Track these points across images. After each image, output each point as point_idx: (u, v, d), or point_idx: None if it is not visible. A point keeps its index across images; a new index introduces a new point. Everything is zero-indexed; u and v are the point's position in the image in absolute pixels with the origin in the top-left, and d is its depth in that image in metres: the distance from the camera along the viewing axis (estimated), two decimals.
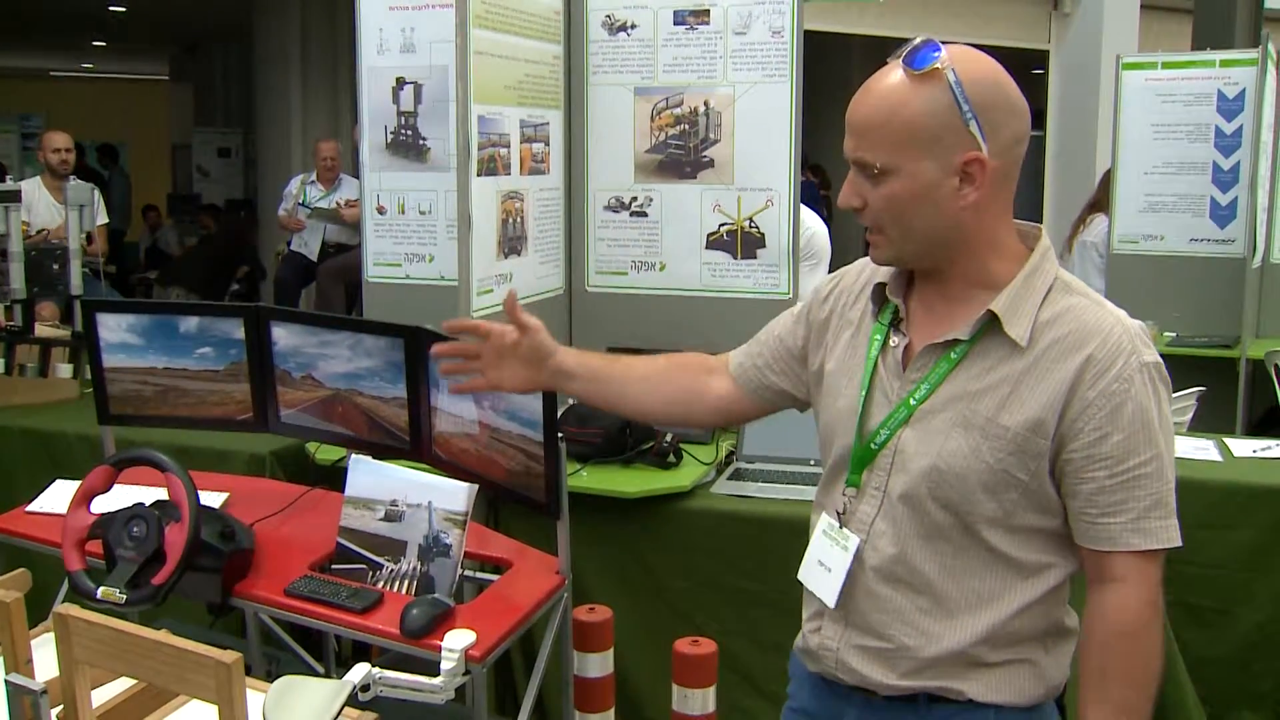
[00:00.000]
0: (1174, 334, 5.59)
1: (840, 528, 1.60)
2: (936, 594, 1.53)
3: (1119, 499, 1.45)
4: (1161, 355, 1.51)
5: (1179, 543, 1.48)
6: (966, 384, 1.49)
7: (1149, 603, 1.48)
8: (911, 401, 1.52)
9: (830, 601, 1.60)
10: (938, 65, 1.41)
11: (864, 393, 1.57)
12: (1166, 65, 5.92)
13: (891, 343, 1.57)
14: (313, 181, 7.56)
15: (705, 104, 3.66)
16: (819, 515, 1.67)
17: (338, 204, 7.30)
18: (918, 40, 1.45)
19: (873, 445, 1.55)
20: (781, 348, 1.77)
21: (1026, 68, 11.85)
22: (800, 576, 1.66)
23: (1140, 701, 1.48)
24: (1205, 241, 5.81)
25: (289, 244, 7.79)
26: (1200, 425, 4.40)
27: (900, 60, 1.45)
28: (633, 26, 3.74)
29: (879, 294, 1.61)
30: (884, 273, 1.61)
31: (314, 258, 7.50)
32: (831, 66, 12.74)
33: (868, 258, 1.62)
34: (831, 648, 1.61)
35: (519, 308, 1.82)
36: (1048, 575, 1.53)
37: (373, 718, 2.13)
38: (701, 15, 3.63)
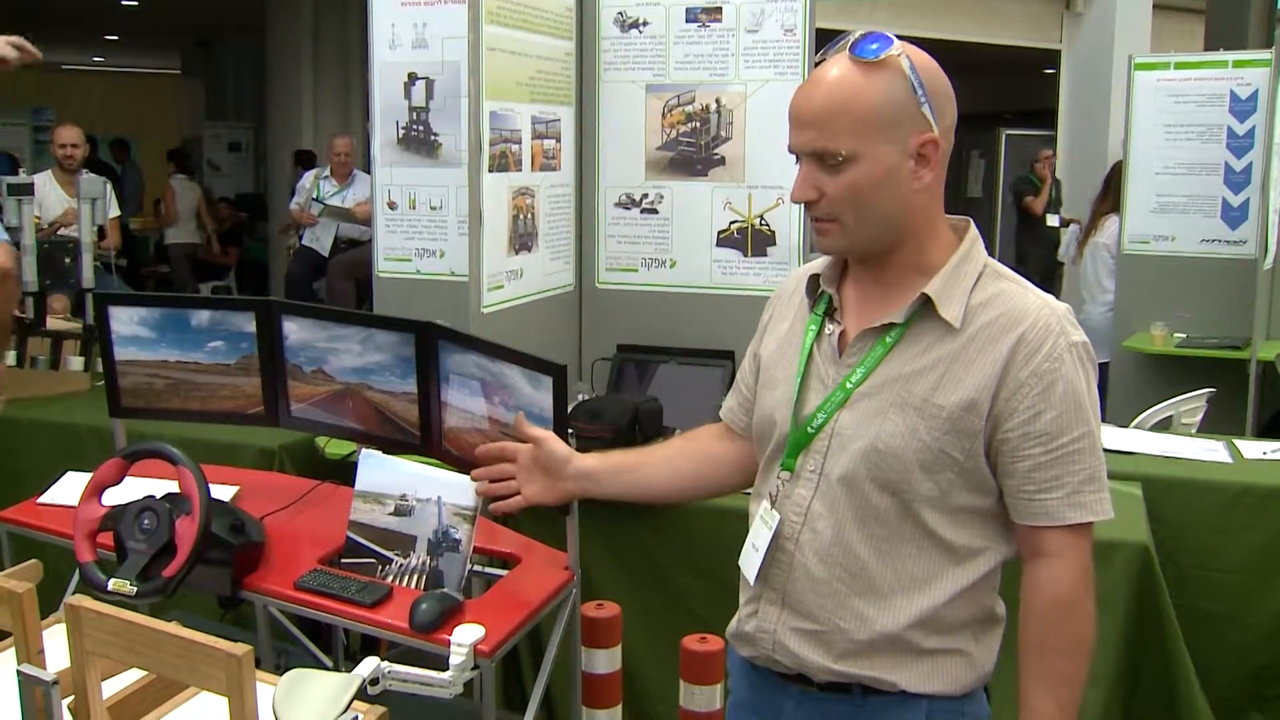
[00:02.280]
0: (1184, 335, 5.58)
1: (771, 508, 1.63)
2: (871, 577, 1.56)
3: (1054, 475, 1.50)
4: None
5: (1111, 514, 1.54)
6: (902, 366, 1.53)
7: (1083, 574, 1.54)
8: (848, 384, 1.56)
9: (750, 577, 1.64)
10: (893, 52, 1.48)
11: (799, 379, 1.61)
12: (1179, 66, 5.91)
13: (827, 330, 1.62)
14: (326, 176, 7.58)
15: (717, 101, 3.66)
16: (757, 504, 1.70)
17: (355, 205, 7.32)
18: (858, 33, 1.50)
19: (809, 429, 1.59)
20: (752, 379, 1.80)
21: (1038, 67, 11.85)
22: (740, 563, 1.70)
23: (1078, 671, 1.54)
24: (1216, 242, 5.80)
25: (300, 239, 7.81)
26: (1210, 427, 4.40)
27: (847, 51, 1.50)
28: (645, 23, 3.74)
29: (813, 285, 1.66)
30: (818, 266, 1.67)
31: (326, 253, 7.52)
32: None
33: (801, 268, 1.73)
34: (769, 630, 1.64)
35: (525, 423, 1.95)
36: (980, 560, 1.57)
37: (381, 711, 2.14)
38: (714, 13, 3.63)
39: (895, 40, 1.48)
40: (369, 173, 4.24)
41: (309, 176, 7.74)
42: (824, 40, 3.50)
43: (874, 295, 1.59)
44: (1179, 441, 3.64)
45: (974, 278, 1.54)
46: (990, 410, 1.50)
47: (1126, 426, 4.09)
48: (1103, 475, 1.54)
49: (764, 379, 1.71)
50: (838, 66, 1.50)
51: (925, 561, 1.55)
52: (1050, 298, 1.55)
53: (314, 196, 7.52)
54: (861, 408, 1.54)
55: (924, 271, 1.55)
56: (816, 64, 1.55)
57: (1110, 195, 6.20)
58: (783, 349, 1.69)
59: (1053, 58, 10.94)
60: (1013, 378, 1.49)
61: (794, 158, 1.54)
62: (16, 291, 3.17)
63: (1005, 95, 15.54)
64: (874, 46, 1.48)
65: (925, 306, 1.53)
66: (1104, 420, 4.82)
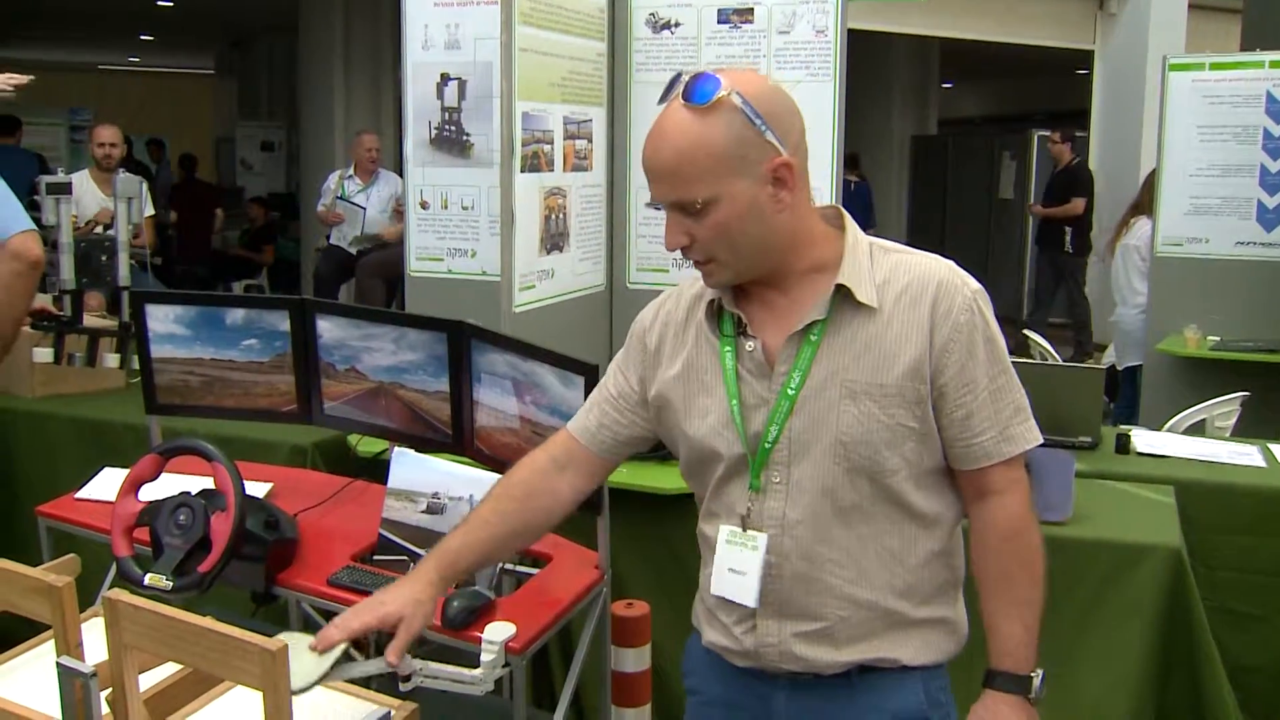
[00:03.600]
0: (1218, 338, 5.53)
1: (745, 531, 1.65)
2: (856, 562, 1.61)
3: (985, 416, 1.59)
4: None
5: (1041, 440, 1.63)
6: (836, 359, 1.58)
7: (1026, 503, 1.65)
8: (789, 391, 1.59)
9: (751, 602, 1.65)
10: (722, 94, 1.50)
11: (735, 402, 1.63)
12: (1214, 66, 5.86)
13: (747, 348, 1.63)
14: (350, 175, 7.61)
15: None
16: (714, 528, 1.70)
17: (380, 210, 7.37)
18: (687, 77, 1.53)
19: (766, 444, 1.61)
20: (621, 401, 1.80)
21: (1071, 68, 11.78)
22: (714, 592, 1.70)
23: (1037, 594, 1.65)
24: (1251, 245, 5.75)
25: (328, 238, 7.85)
26: (1244, 430, 4.36)
27: (680, 99, 1.52)
28: (676, 25, 3.75)
29: (711, 309, 1.67)
30: (700, 290, 1.69)
31: (353, 252, 7.56)
32: (875, 66, 12.71)
33: (663, 302, 1.76)
34: (773, 643, 1.66)
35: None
36: (941, 521, 1.65)
37: (413, 708, 2.15)
38: (745, 14, 3.64)
39: (723, 79, 1.50)
40: (399, 173, 4.26)
41: (333, 177, 7.77)
42: (855, 41, 3.50)
43: (781, 305, 1.63)
44: (1212, 445, 3.62)
45: (868, 257, 1.61)
46: (929, 372, 1.57)
47: (1159, 430, 4.06)
48: (1026, 405, 1.63)
49: (683, 409, 1.69)
50: (676, 117, 1.52)
51: (899, 534, 1.62)
52: (937, 256, 1.63)
53: (339, 195, 7.56)
54: (810, 409, 1.58)
55: (820, 269, 1.60)
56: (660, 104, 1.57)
57: (1142, 195, 6.16)
58: (694, 375, 1.68)
59: (1085, 58, 10.86)
60: (938, 336, 1.56)
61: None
62: (37, 280, 3.20)
63: (1037, 96, 15.48)
64: (705, 90, 1.50)
65: (841, 296, 1.58)
66: (1137, 424, 4.80)
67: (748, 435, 1.62)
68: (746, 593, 1.65)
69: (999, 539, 1.64)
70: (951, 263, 1.62)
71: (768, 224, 1.55)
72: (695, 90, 1.51)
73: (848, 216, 1.66)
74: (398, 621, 1.76)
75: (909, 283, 1.58)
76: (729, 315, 1.65)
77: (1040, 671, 1.64)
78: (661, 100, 1.57)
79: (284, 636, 1.77)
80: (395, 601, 1.77)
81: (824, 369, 1.58)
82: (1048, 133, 12.14)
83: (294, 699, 1.74)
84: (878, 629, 1.63)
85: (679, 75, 1.55)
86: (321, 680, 1.83)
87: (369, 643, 3.04)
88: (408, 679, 1.93)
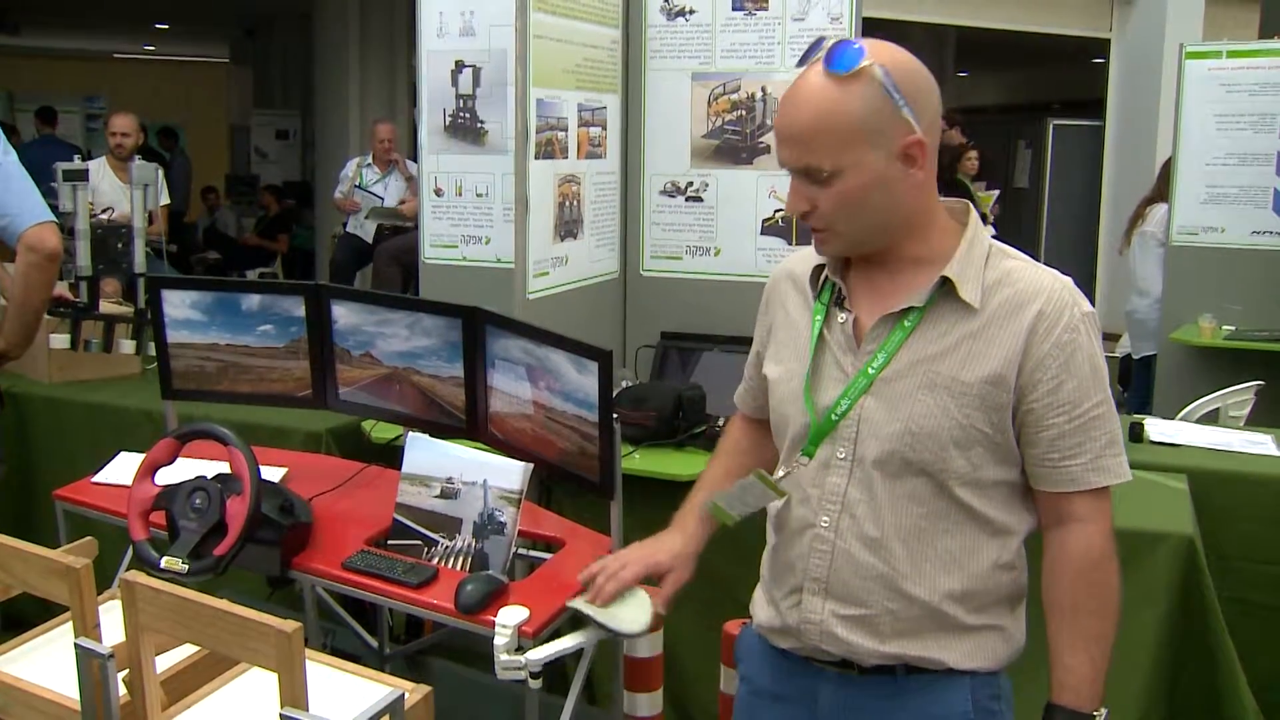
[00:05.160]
0: (1233, 327, 5.51)
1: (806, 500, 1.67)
2: (913, 556, 1.59)
3: (1078, 441, 1.55)
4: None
5: (1130, 476, 1.60)
6: (925, 348, 1.56)
7: (1108, 536, 1.60)
8: (870, 370, 1.58)
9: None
10: (865, 64, 1.49)
11: (808, 369, 1.63)
12: (1231, 54, 5.83)
13: (839, 319, 1.63)
14: (369, 164, 7.63)
15: (763, 90, 3.66)
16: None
17: (400, 201, 7.38)
18: (829, 43, 1.51)
19: (833, 416, 1.61)
20: (757, 360, 1.83)
21: (1088, 57, 11.71)
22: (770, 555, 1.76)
23: (1109, 629, 1.60)
24: (1267, 234, 5.73)
25: (345, 226, 7.87)
26: (1258, 420, 4.35)
27: (821, 65, 1.51)
28: (691, 12, 3.74)
29: (815, 276, 1.68)
30: (813, 258, 1.69)
31: (370, 239, 7.58)
32: None
33: (792, 258, 1.77)
34: (815, 620, 1.65)
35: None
36: (1011, 532, 1.62)
37: (427, 690, 2.17)
38: (760, 1, 3.63)
39: (867, 49, 1.50)
40: (414, 159, 4.27)
41: (351, 164, 7.79)
42: (870, 30, 3.50)
43: (883, 284, 1.61)
44: (1226, 434, 3.61)
45: (984, 258, 1.58)
46: (1016, 383, 1.54)
47: (1173, 419, 4.05)
48: (1120, 438, 1.59)
49: (777, 376, 1.72)
50: (815, 82, 1.52)
51: (961, 537, 1.59)
52: (1056, 272, 1.59)
53: (357, 184, 7.58)
54: (888, 392, 1.57)
55: (931, 259, 1.58)
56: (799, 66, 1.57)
57: (1159, 185, 6.14)
58: (789, 341, 1.71)
59: (1102, 47, 10.79)
60: (1035, 350, 1.53)
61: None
62: (56, 271, 3.21)
63: (1053, 85, 15.37)
64: (848, 59, 1.49)
65: (943, 289, 1.56)
66: (1151, 413, 4.79)
67: (816, 406, 1.62)
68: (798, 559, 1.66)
69: (1075, 569, 1.59)
70: (1069, 280, 1.59)
71: (892, 200, 1.54)
72: (838, 57, 1.50)
73: (974, 214, 1.64)
74: (666, 573, 1.90)
75: (1017, 290, 1.56)
76: (830, 284, 1.66)
77: (1105, 711, 1.59)
78: (800, 63, 1.56)
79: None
80: (664, 553, 1.91)
81: (910, 356, 1.57)
82: (1064, 122, 12.11)
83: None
84: (926, 628, 1.61)
85: (820, 40, 1.53)
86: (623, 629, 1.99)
87: (377, 619, 3.06)
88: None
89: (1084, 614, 1.59)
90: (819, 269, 1.67)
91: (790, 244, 3.67)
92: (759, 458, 1.87)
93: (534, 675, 2.12)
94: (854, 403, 1.59)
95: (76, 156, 4.12)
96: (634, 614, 1.97)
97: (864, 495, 1.60)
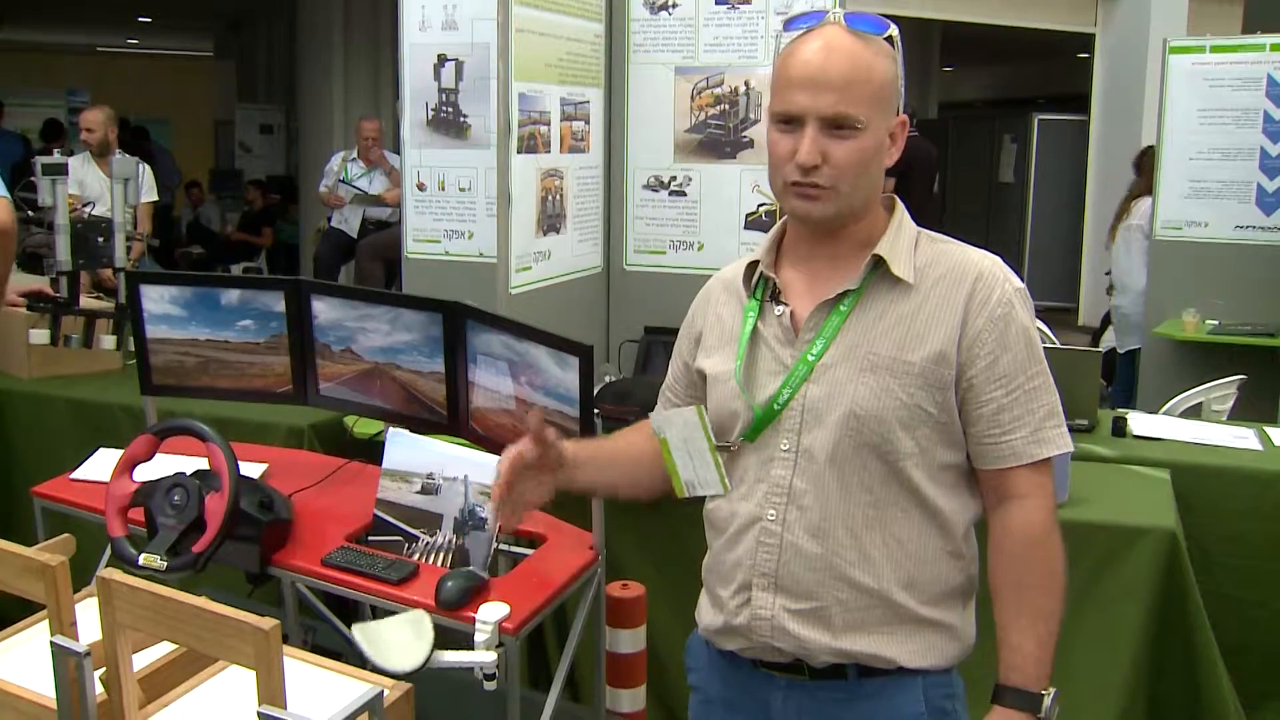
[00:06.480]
0: (1216, 321, 5.53)
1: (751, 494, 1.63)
2: (863, 545, 1.57)
3: (1016, 415, 1.56)
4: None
5: (1071, 447, 1.60)
6: (863, 331, 1.57)
7: (1050, 511, 1.59)
8: (809, 357, 1.58)
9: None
10: (893, 33, 1.55)
11: (739, 362, 1.62)
12: (1215, 49, 5.84)
13: (775, 312, 1.63)
14: (354, 159, 7.60)
15: (746, 84, 3.65)
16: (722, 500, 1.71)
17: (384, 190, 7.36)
18: (843, 10, 1.57)
19: (775, 406, 1.59)
20: (689, 372, 1.79)
21: (1072, 52, 11.74)
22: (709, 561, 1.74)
23: (1056, 607, 1.57)
24: (1250, 229, 5.75)
25: (329, 220, 7.84)
26: (1241, 414, 4.36)
27: (841, 25, 1.54)
28: (674, 5, 3.73)
29: (749, 274, 1.68)
30: (742, 265, 1.70)
31: (354, 235, 7.55)
32: None
33: (722, 270, 1.78)
34: (765, 616, 1.61)
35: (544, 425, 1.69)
36: (959, 518, 1.61)
37: (408, 688, 2.16)
38: None
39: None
40: (397, 153, 4.25)
41: (336, 159, 7.76)
42: None
43: (820, 272, 1.62)
44: (1209, 428, 3.62)
45: (913, 241, 1.61)
46: (956, 359, 1.55)
47: (1156, 413, 4.06)
48: (1059, 410, 1.59)
49: (714, 376, 1.68)
50: (844, 37, 1.52)
51: (908, 524, 1.58)
52: (985, 251, 1.62)
53: (341, 178, 7.55)
54: (829, 378, 1.56)
55: (868, 244, 1.59)
56: (786, 27, 1.59)
57: (1142, 179, 6.15)
58: (720, 343, 1.70)
59: (1087, 42, 10.82)
60: (971, 326, 1.55)
61: (784, 122, 1.55)
62: (12, 249, 3.21)
63: (1038, 80, 15.42)
64: (877, 22, 1.54)
65: (877, 270, 1.58)
66: (1134, 407, 4.79)
67: (756, 399, 1.61)
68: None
69: (1018, 546, 1.57)
70: (998, 258, 1.61)
71: (878, 172, 1.57)
72: (865, 20, 1.53)
73: (899, 202, 1.65)
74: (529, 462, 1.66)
75: (950, 268, 1.57)
76: (764, 280, 1.65)
77: (1053, 690, 1.55)
78: (789, 27, 1.58)
79: (362, 628, 1.82)
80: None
81: (849, 339, 1.56)
82: (1049, 116, 12.14)
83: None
84: (877, 619, 1.58)
85: (808, 14, 1.57)
86: (423, 666, 1.96)
87: (359, 616, 3.05)
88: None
89: (1028, 590, 1.56)
90: (752, 265, 1.68)
91: None
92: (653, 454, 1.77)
93: (487, 677, 2.10)
94: (795, 391, 1.58)
95: (57, 150, 4.09)
96: (404, 653, 1.94)
97: (810, 486, 1.58)
